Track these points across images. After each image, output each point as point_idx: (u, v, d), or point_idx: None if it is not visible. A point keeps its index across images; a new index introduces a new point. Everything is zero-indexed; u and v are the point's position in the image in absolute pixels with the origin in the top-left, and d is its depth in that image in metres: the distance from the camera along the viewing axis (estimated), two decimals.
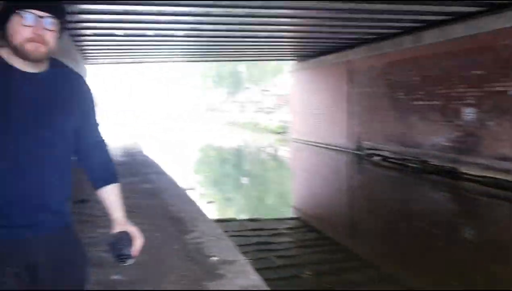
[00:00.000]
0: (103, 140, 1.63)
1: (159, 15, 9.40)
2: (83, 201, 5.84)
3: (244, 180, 13.02)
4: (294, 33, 13.68)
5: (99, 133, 1.62)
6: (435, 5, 9.36)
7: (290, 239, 6.95)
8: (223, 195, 10.44)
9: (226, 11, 9.39)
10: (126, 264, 1.46)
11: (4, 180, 1.32)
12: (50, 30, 1.34)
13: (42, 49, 1.33)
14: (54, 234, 1.43)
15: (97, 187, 1.58)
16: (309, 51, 17.50)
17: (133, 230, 1.51)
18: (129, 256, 1.45)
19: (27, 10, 1.30)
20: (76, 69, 1.56)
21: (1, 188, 1.32)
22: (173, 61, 20.73)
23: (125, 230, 1.50)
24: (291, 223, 7.83)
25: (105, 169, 1.60)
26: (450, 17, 10.37)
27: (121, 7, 8.45)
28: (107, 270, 3.17)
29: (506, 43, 9.36)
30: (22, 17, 1.30)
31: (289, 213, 8.70)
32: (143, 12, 9.03)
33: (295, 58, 19.87)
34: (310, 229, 7.47)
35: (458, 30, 10.59)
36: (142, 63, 22.47)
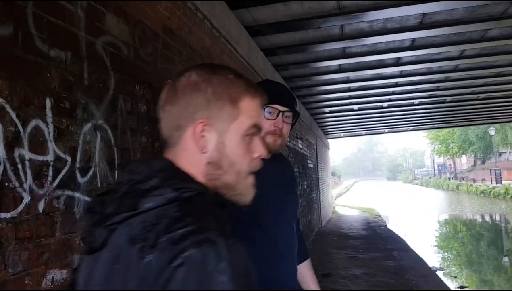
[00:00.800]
0: (298, 218, 1.66)
1: (394, 87, 9.37)
2: (328, 275, 5.93)
3: (506, 261, 10.98)
4: None
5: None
6: None
7: None
8: (480, 278, 8.98)
9: (468, 74, 8.63)
10: None
11: (270, 264, 1.34)
12: (287, 123, 1.43)
13: (279, 142, 1.42)
14: None
15: None
16: None
17: None
18: None
19: (270, 105, 1.39)
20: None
21: (270, 272, 1.33)
22: (411, 130, 20.12)
23: None
24: None
25: (300, 245, 1.60)
26: None
27: (357, 84, 8.79)
28: None
29: None
30: (265, 111, 1.40)
31: None
32: (378, 86, 9.17)
33: None
34: None
35: None
36: (378, 134, 22.59)
